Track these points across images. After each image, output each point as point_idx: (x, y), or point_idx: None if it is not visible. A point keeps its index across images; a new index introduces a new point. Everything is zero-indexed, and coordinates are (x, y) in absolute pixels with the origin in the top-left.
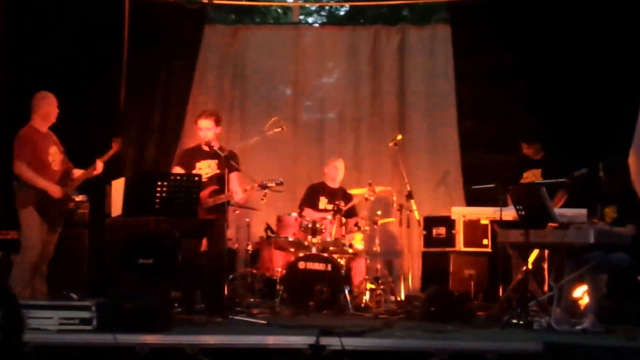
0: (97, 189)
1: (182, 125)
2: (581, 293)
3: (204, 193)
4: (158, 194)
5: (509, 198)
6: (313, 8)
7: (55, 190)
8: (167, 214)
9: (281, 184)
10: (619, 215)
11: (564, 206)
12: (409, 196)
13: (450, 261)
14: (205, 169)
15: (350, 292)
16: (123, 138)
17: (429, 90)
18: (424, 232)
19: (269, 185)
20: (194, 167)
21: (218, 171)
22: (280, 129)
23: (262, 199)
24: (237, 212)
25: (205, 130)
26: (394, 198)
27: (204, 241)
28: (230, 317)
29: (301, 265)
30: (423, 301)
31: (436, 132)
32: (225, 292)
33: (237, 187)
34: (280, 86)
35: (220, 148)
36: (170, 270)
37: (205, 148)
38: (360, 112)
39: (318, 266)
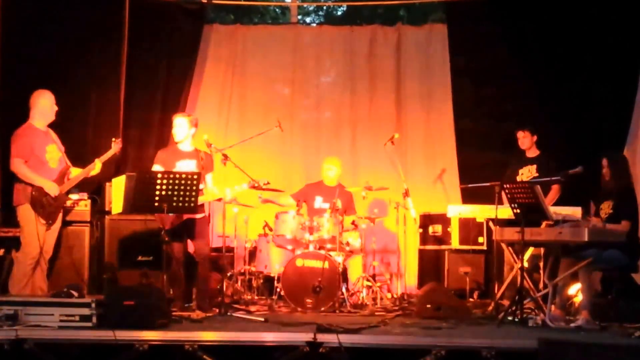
0: (97, 187)
1: None
2: (575, 291)
3: None
4: (158, 192)
5: (504, 196)
6: (311, 8)
7: (51, 188)
8: (167, 211)
9: (268, 183)
10: (613, 211)
11: (558, 203)
12: (406, 194)
13: (446, 259)
14: (185, 169)
15: (347, 289)
16: (123, 138)
17: (425, 89)
18: (420, 230)
19: (257, 184)
20: (174, 167)
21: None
22: (277, 127)
23: (260, 197)
24: (235, 210)
25: (177, 127)
26: (390, 196)
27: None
28: (229, 314)
29: (299, 262)
30: (419, 298)
31: (433, 131)
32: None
33: (212, 187)
34: (278, 85)
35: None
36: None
37: (184, 149)
38: (357, 111)
39: (315, 264)
